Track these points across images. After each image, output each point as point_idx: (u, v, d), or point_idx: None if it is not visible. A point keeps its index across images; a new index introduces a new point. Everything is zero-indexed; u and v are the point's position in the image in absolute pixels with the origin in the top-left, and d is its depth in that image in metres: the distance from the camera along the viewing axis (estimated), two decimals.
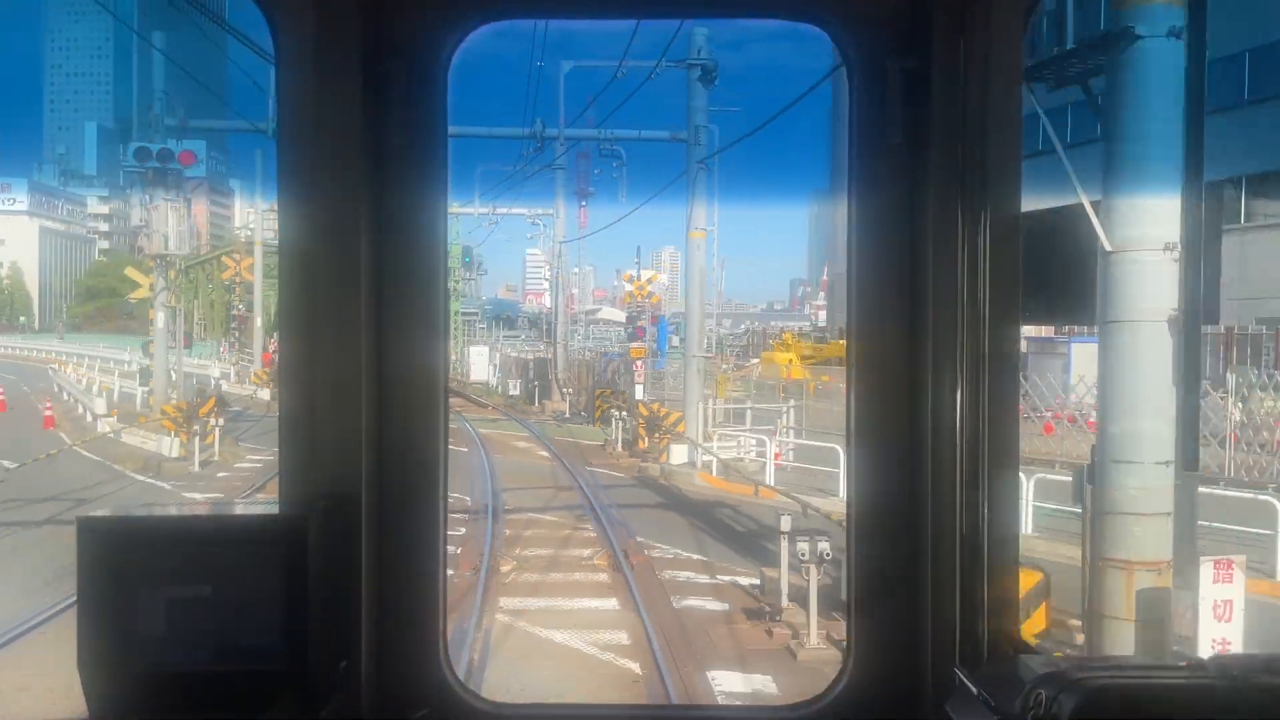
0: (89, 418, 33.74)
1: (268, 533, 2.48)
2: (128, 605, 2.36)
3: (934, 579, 2.75)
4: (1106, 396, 8.69)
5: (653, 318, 42.23)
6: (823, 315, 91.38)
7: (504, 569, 15.82)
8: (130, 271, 37.49)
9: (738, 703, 11.00)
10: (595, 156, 38.30)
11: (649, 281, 47.15)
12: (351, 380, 2.71)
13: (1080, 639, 10.51)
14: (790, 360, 41.87)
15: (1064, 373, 29.53)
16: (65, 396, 41.14)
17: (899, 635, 2.82)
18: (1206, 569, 8.97)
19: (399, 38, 2.76)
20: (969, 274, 2.66)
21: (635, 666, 12.07)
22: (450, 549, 11.54)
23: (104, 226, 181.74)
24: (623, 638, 12.95)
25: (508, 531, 18.47)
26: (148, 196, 29.05)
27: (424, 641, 2.85)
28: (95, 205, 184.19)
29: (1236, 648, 9.17)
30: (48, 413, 33.53)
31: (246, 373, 51.44)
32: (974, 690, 2.53)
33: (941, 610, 2.73)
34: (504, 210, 54.65)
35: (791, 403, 31.38)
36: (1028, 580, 12.12)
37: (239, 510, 2.83)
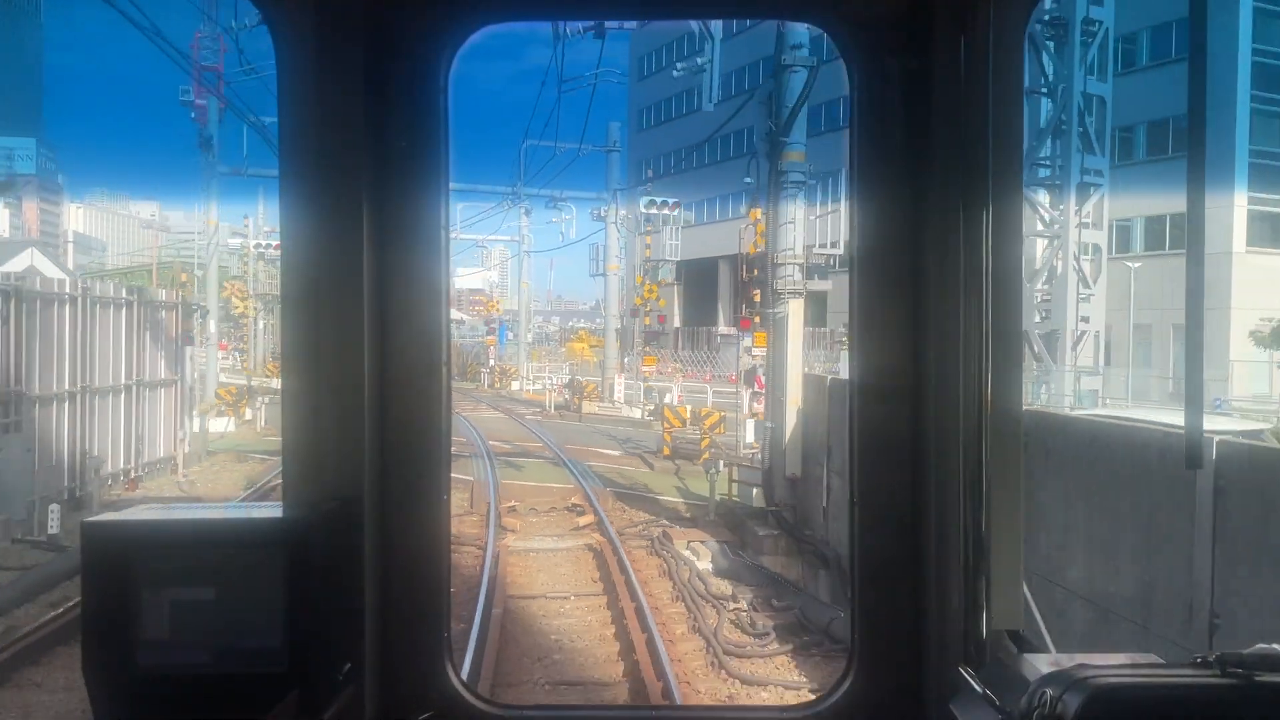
0: None
1: (271, 535, 2.47)
2: (132, 608, 2.34)
3: (937, 578, 2.73)
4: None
5: (499, 321, 70.21)
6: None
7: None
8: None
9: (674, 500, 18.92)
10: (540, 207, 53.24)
11: (497, 301, 74.70)
12: (354, 382, 2.69)
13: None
14: (583, 348, 69.80)
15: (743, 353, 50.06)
16: None
17: (903, 634, 2.81)
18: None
19: (400, 39, 2.75)
20: (970, 271, 2.63)
21: (572, 487, 24.06)
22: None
23: None
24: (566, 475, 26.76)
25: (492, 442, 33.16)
26: None
27: (428, 644, 2.84)
28: None
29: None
30: None
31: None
32: (978, 689, 2.49)
33: (945, 609, 2.71)
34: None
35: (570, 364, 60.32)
36: (714, 417, 29.49)
37: (242, 512, 2.86)
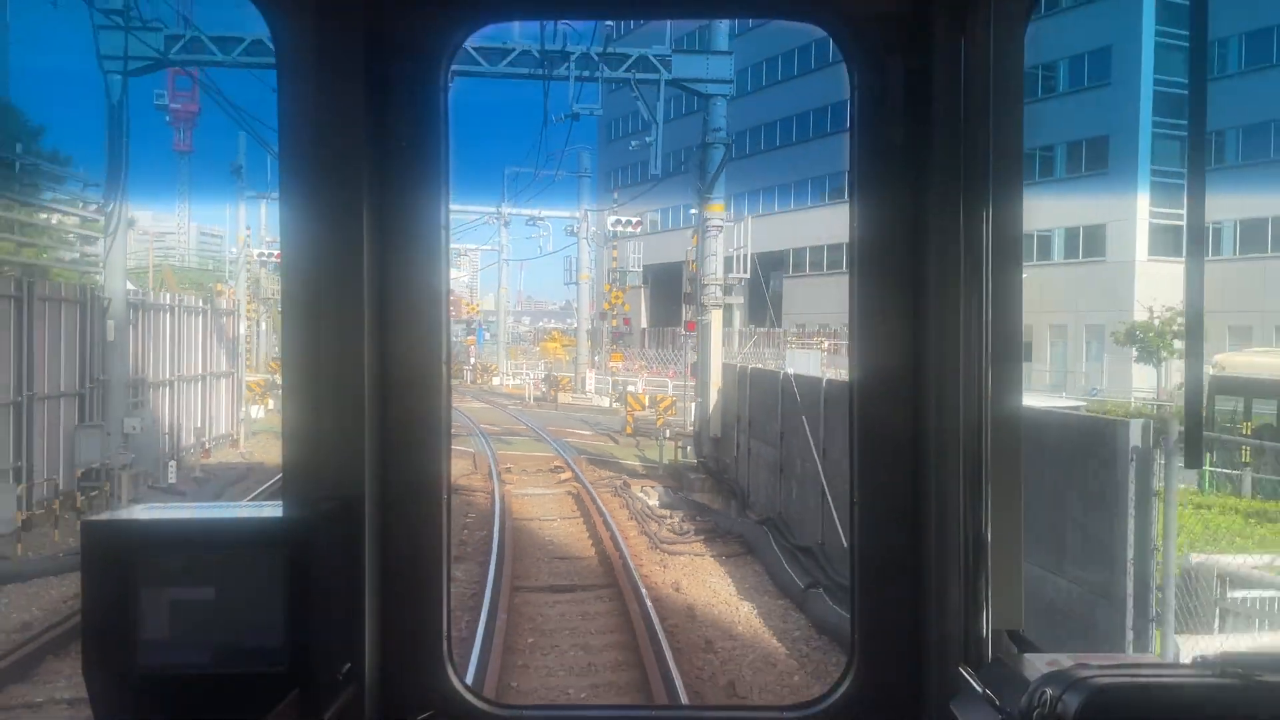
0: None
1: (271, 534, 2.46)
2: (132, 607, 2.33)
3: (937, 578, 2.73)
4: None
5: (477, 323, 76.61)
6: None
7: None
8: None
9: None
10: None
11: (476, 304, 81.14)
12: (354, 381, 2.69)
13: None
14: (556, 347, 76.19)
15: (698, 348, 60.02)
16: None
17: (903, 634, 2.81)
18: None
19: (400, 38, 2.75)
20: (970, 271, 2.63)
21: (553, 455, 30.65)
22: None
23: None
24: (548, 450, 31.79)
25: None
26: None
27: (428, 643, 2.84)
28: None
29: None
30: None
31: None
32: (979, 689, 2.49)
33: (945, 609, 2.71)
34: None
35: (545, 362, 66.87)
36: (666, 401, 38.82)
37: (243, 512, 2.79)
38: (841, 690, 2.87)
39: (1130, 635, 8.36)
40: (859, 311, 2.83)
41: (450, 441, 2.92)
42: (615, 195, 48.65)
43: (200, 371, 29.71)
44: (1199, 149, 2.14)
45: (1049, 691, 1.86)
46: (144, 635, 2.34)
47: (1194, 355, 2.16)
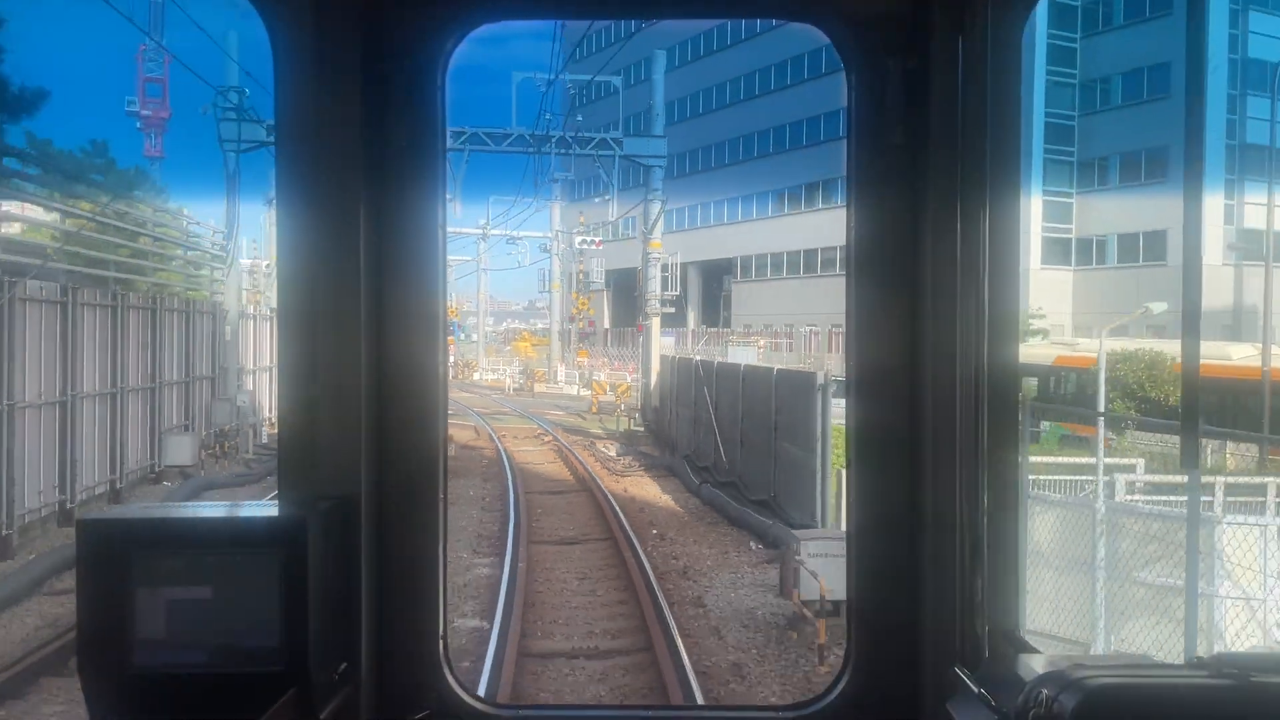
0: None
1: (268, 533, 2.45)
2: (128, 607, 2.33)
3: (934, 578, 2.73)
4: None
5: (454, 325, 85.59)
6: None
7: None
8: None
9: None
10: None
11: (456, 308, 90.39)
12: (351, 380, 2.68)
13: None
14: (526, 346, 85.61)
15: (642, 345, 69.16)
16: None
17: (899, 634, 2.81)
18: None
19: (397, 38, 2.75)
20: (968, 272, 2.63)
21: (536, 427, 41.34)
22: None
23: None
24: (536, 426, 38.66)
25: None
26: None
27: (424, 643, 2.84)
28: None
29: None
30: None
31: None
32: (975, 689, 2.49)
33: (942, 609, 2.71)
34: None
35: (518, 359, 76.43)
36: (623, 386, 49.57)
37: (239, 511, 2.79)
38: (838, 690, 2.85)
39: (819, 474, 18.30)
40: (856, 312, 2.82)
41: (446, 442, 2.92)
42: (581, 219, 58.37)
43: (267, 364, 39.02)
44: (1195, 164, 2.21)
45: (1045, 692, 1.86)
46: (140, 635, 2.33)
47: (1189, 362, 2.22)
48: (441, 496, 2.88)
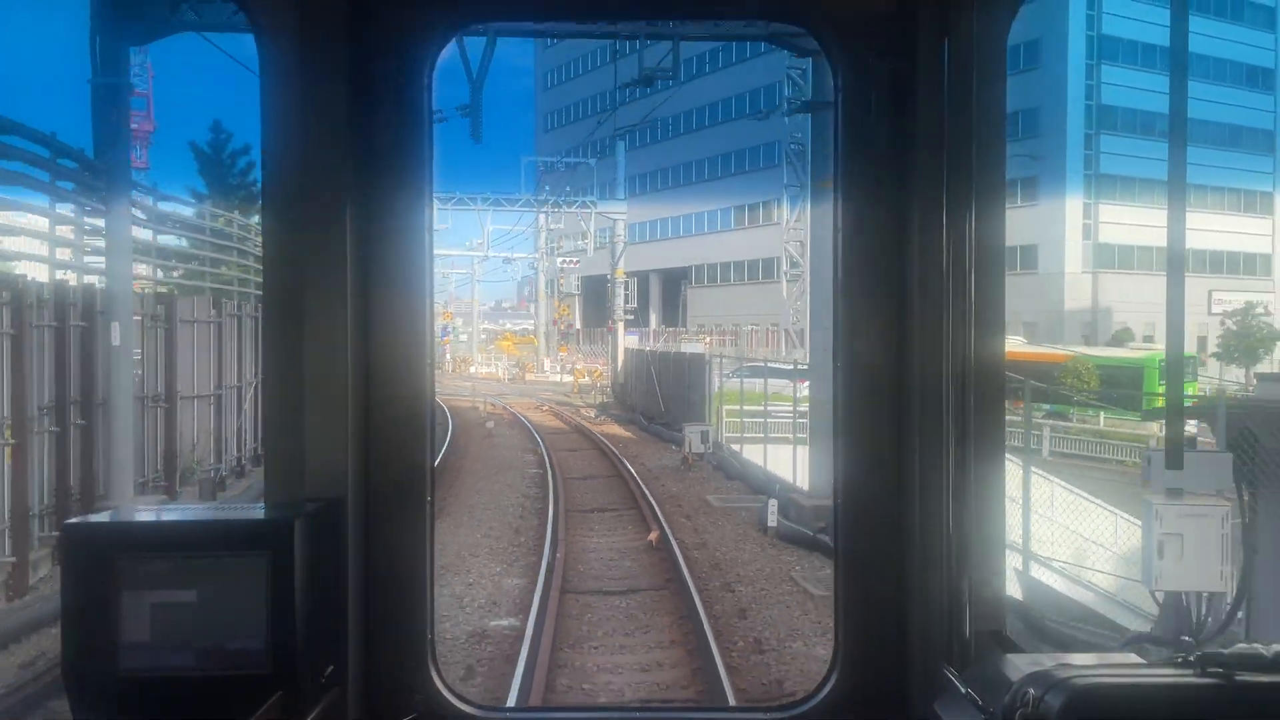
0: None
1: (254, 536, 2.43)
2: (112, 610, 2.31)
3: (921, 579, 2.74)
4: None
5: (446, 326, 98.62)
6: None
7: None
8: None
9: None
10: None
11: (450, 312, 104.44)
12: (337, 381, 2.68)
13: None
14: (510, 345, 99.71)
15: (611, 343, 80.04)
16: None
17: (887, 634, 2.82)
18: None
19: (384, 39, 2.73)
20: (954, 273, 2.64)
21: (534, 400, 57.51)
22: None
23: None
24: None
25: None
26: None
27: (412, 646, 2.83)
28: None
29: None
30: None
31: None
32: (962, 689, 2.50)
33: (929, 610, 2.72)
34: None
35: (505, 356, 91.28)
36: (598, 372, 66.89)
37: (225, 513, 2.76)
38: (826, 691, 2.86)
39: (706, 406, 33.63)
40: (843, 312, 2.83)
41: (434, 443, 2.88)
42: (560, 244, 73.37)
43: None
44: (1179, 175, 2.17)
45: (1032, 692, 1.87)
46: (125, 638, 2.32)
47: (1174, 371, 2.53)
48: (429, 497, 2.85)
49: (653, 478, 27.42)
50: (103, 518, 2.57)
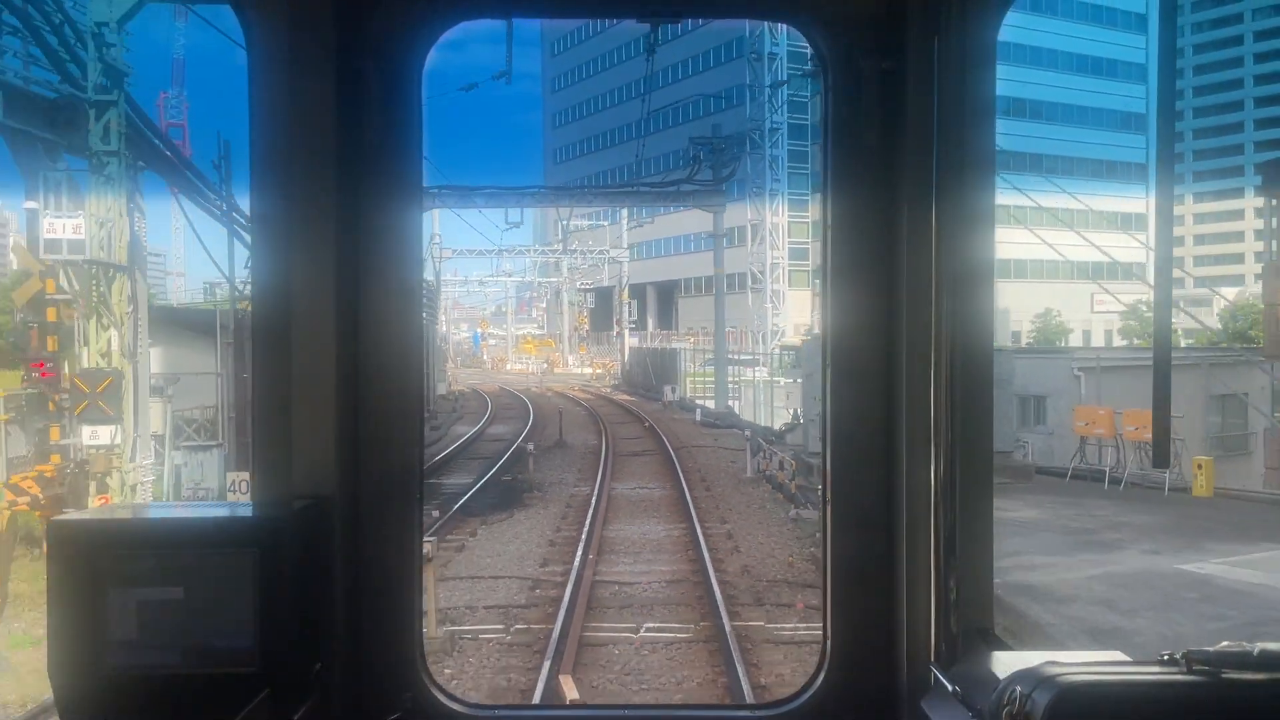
0: None
1: (241, 535, 2.41)
2: (99, 607, 2.29)
3: (909, 577, 2.74)
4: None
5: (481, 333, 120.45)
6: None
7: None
8: None
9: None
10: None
11: (487, 322, 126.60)
12: (326, 380, 2.65)
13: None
14: (532, 347, 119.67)
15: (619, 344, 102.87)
16: None
17: (875, 633, 2.81)
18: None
19: (373, 36, 2.70)
20: (943, 272, 2.63)
21: (566, 385, 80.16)
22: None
23: None
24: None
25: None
26: None
27: (400, 644, 2.81)
28: None
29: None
30: None
31: None
32: (950, 687, 2.50)
33: (917, 608, 2.72)
34: None
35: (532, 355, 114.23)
36: (611, 364, 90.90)
37: (212, 511, 2.72)
38: (814, 689, 2.85)
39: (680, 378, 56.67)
40: (833, 312, 2.81)
41: (424, 441, 2.88)
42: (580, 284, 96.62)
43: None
44: (1166, 187, 2.27)
45: (1019, 689, 1.88)
46: (112, 635, 2.30)
47: (1161, 371, 2.24)
48: (418, 496, 2.84)
49: (647, 413, 51.30)
50: (90, 515, 2.59)
